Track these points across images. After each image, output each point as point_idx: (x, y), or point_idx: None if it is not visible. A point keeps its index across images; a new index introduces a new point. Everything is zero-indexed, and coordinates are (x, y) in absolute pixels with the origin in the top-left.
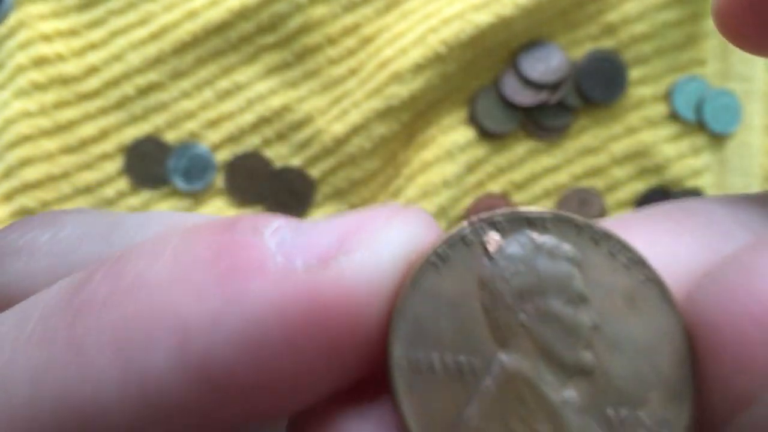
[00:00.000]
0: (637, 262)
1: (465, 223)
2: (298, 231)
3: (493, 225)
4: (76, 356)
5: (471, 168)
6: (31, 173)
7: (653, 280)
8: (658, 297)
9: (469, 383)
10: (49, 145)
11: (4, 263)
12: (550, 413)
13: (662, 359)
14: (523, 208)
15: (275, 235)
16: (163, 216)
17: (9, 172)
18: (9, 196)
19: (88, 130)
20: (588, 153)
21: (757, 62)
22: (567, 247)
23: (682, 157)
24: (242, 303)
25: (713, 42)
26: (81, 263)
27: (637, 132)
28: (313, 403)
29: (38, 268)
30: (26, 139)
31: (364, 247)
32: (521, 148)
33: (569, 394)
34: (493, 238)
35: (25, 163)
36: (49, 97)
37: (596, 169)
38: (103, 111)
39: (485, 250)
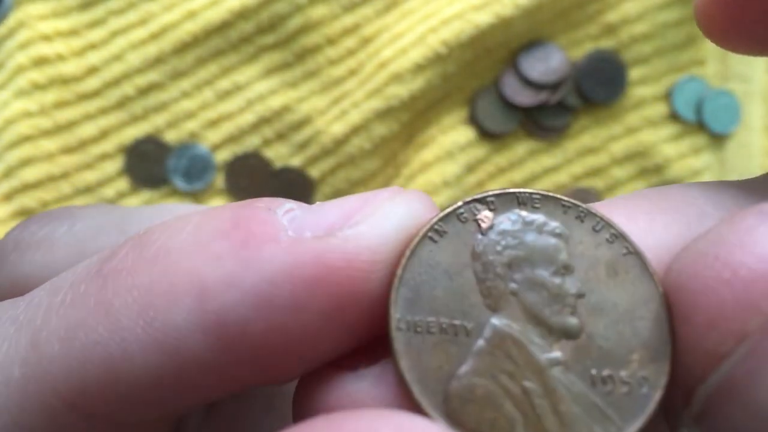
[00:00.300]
0: (618, 237)
1: (460, 202)
2: (308, 210)
3: (486, 204)
4: (105, 316)
5: (471, 168)
6: (31, 173)
7: (633, 253)
8: (638, 267)
9: (463, 344)
10: (49, 145)
11: (24, 255)
12: (537, 371)
13: (642, 323)
14: (514, 189)
15: (287, 214)
16: (175, 208)
17: (9, 172)
18: (9, 196)
19: (88, 130)
20: (588, 153)
21: (756, 62)
22: (554, 224)
23: (682, 157)
24: (256, 266)
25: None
26: (97, 252)
27: (637, 132)
28: (317, 366)
29: (57, 259)
30: (26, 139)
31: (368, 219)
32: (521, 148)
33: (555, 354)
34: (485, 216)
35: (25, 163)
36: (49, 97)
37: (596, 169)
38: (103, 111)
39: (478, 226)
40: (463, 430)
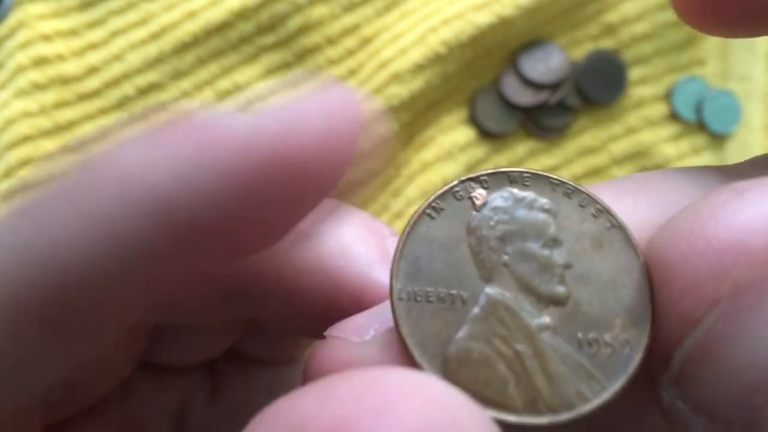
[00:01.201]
0: (603, 212)
1: (456, 181)
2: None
3: (480, 182)
4: (47, 215)
5: (471, 168)
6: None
7: (617, 226)
8: (621, 240)
9: (459, 311)
10: (49, 145)
11: None
12: (528, 335)
13: (624, 291)
14: (505, 168)
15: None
16: None
17: (9, 172)
18: (9, 196)
19: (88, 130)
20: (588, 153)
21: (757, 62)
22: (543, 200)
23: (682, 157)
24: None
25: (713, 42)
26: None
27: (637, 132)
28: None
29: None
30: (26, 139)
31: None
32: (521, 148)
33: (544, 320)
34: (479, 193)
35: (25, 163)
36: (49, 97)
37: (596, 169)
38: (103, 111)
39: (473, 203)
40: (460, 389)
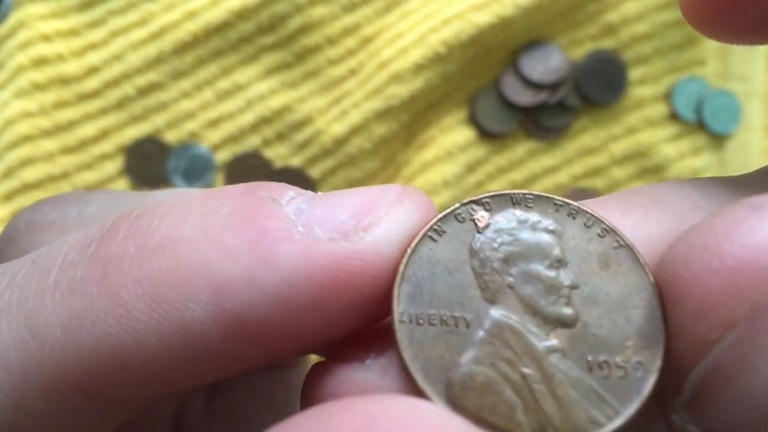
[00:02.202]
0: (609, 231)
1: (457, 204)
2: (313, 203)
3: (482, 204)
4: (113, 307)
5: (471, 168)
6: (31, 173)
7: (625, 246)
8: (629, 259)
9: (463, 334)
10: (49, 145)
11: (37, 236)
12: (535, 358)
13: (635, 312)
14: (508, 191)
15: (291, 204)
16: (185, 192)
17: (9, 172)
18: (9, 196)
19: (88, 130)
20: (588, 153)
21: (757, 62)
22: (547, 221)
23: (682, 157)
24: (273, 266)
25: (713, 42)
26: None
27: (637, 132)
28: (334, 345)
29: None
30: (26, 139)
31: (380, 223)
32: (521, 148)
33: (552, 342)
34: (482, 216)
35: (25, 163)
36: (49, 97)
37: (596, 169)
38: (103, 111)
39: (475, 225)
40: (465, 415)
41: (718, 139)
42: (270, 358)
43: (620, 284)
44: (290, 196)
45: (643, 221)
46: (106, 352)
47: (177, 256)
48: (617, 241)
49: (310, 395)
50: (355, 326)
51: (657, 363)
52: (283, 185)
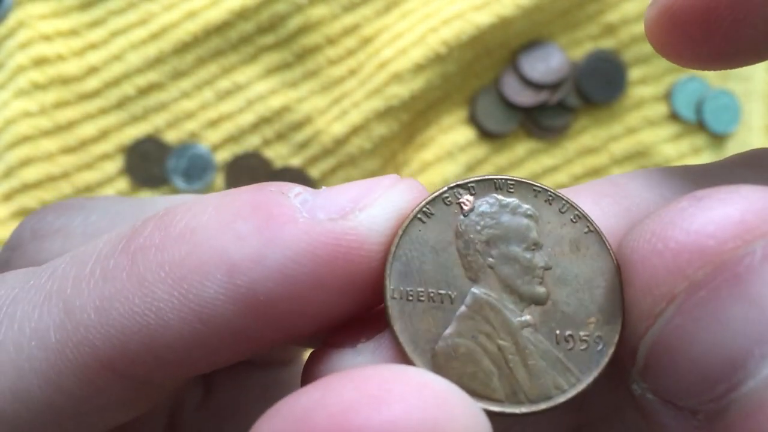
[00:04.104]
0: (581, 218)
1: (445, 188)
2: (317, 194)
3: (467, 189)
4: (139, 288)
5: (471, 168)
6: (31, 173)
7: (594, 231)
8: (597, 243)
9: (447, 310)
10: (49, 145)
11: (43, 244)
12: (510, 332)
13: (599, 291)
14: (491, 176)
15: (298, 197)
16: (187, 198)
17: (9, 172)
18: (9, 196)
19: (88, 130)
20: (588, 153)
21: None
22: (526, 206)
23: (682, 157)
24: (279, 244)
25: None
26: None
27: (637, 132)
28: (331, 327)
29: (74, 248)
30: (26, 139)
31: (376, 203)
32: (521, 148)
33: (526, 318)
34: (467, 199)
35: (25, 163)
36: (49, 97)
37: (596, 169)
38: (103, 111)
39: (461, 208)
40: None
41: (718, 139)
42: (278, 336)
43: (588, 266)
44: (297, 191)
45: (612, 210)
46: (133, 331)
47: (195, 241)
48: (587, 226)
49: (308, 378)
50: (353, 307)
51: (615, 337)
52: (292, 184)
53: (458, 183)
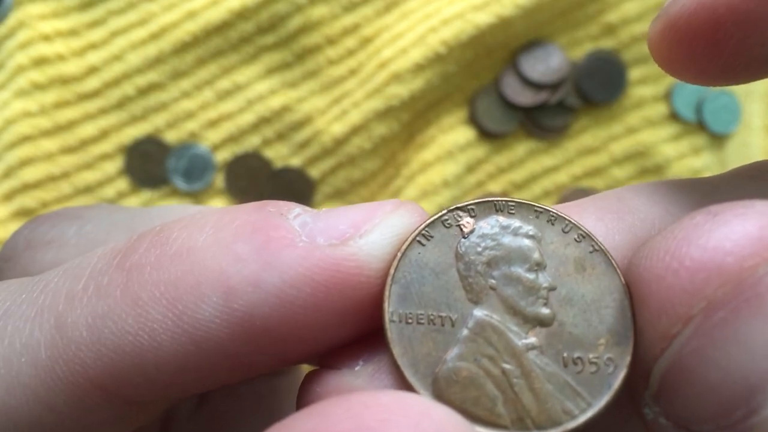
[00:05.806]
0: (585, 237)
1: (444, 210)
2: (317, 217)
3: (467, 211)
4: (133, 308)
5: (471, 168)
6: (31, 173)
7: (599, 250)
8: (603, 262)
9: (448, 333)
10: (49, 145)
11: (37, 254)
12: (515, 355)
13: (607, 312)
14: (491, 197)
15: (297, 218)
16: (183, 209)
17: (9, 172)
18: (9, 196)
19: (88, 130)
20: (588, 153)
21: None
22: (528, 227)
23: (682, 157)
24: (277, 269)
25: None
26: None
27: (637, 132)
28: (327, 352)
29: (68, 258)
30: (26, 139)
31: (376, 230)
32: (521, 148)
33: (531, 340)
34: (467, 221)
35: (25, 163)
36: (49, 97)
37: (596, 169)
38: (103, 111)
39: (461, 230)
40: (450, 407)
41: (718, 139)
42: (274, 361)
43: (594, 286)
44: (297, 212)
45: (617, 227)
46: (125, 351)
47: (192, 261)
48: (592, 245)
49: (304, 400)
50: (351, 331)
51: (627, 359)
52: (291, 203)
53: (458, 206)
